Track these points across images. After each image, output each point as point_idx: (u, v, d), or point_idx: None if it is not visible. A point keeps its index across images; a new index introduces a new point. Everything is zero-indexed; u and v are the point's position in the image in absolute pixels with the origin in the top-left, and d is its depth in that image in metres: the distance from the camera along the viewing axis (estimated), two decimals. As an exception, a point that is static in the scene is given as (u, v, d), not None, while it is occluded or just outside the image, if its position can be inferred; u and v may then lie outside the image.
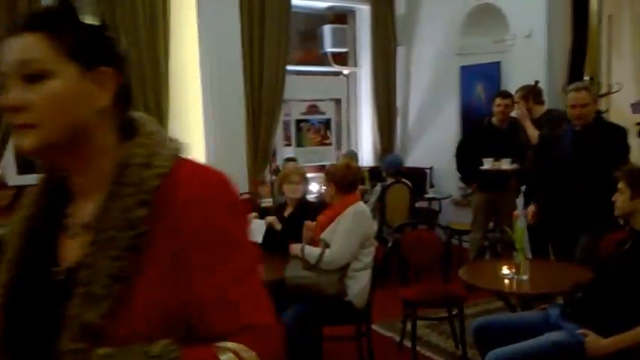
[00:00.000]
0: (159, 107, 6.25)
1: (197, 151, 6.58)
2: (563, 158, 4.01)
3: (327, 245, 3.43)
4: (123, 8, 5.99)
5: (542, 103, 5.35)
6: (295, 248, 3.47)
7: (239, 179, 6.61)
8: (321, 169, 7.58)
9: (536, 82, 5.52)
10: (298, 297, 3.35)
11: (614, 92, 6.48)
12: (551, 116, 5.07)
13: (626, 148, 4.04)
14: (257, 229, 3.84)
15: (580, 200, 3.84)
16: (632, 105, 5.88)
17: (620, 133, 4.08)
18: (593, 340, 2.59)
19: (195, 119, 6.58)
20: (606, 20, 7.16)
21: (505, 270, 3.38)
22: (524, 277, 3.29)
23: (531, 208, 4.30)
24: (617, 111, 6.79)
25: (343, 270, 3.41)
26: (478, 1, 6.86)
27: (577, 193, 3.89)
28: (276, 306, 3.19)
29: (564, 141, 4.05)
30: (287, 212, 3.94)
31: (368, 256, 3.51)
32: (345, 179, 3.61)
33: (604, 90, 6.59)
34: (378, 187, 5.75)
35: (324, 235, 3.50)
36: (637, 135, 5.63)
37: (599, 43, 6.96)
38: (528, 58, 6.33)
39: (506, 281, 3.33)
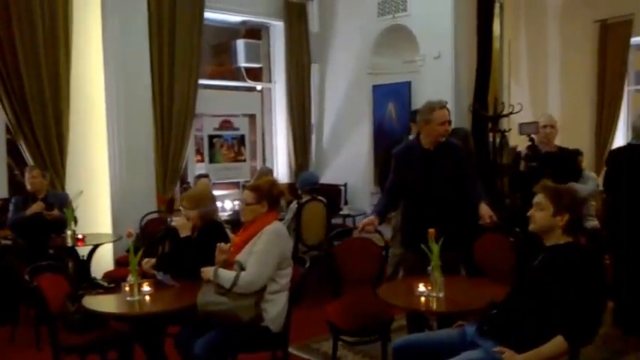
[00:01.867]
0: (58, 124, 5.83)
1: (101, 169, 6.20)
2: (415, 177, 3.94)
3: (242, 268, 3.22)
4: (19, 22, 5.55)
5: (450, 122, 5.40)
6: (208, 272, 3.23)
7: (147, 198, 6.29)
8: (234, 185, 7.37)
9: (444, 103, 5.56)
10: (211, 325, 3.13)
11: (516, 112, 6.67)
12: (456, 135, 5.10)
13: (472, 166, 4.07)
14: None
15: (434, 217, 3.74)
16: (520, 125, 5.81)
17: (459, 150, 4.06)
18: (510, 357, 2.54)
19: (99, 135, 6.19)
20: (507, 45, 7.42)
21: (421, 287, 3.30)
22: (441, 295, 3.22)
23: (369, 217, 4.09)
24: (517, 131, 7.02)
25: (259, 293, 3.20)
26: (389, 23, 6.91)
27: (430, 210, 3.82)
28: (187, 335, 2.96)
29: (414, 159, 3.97)
30: (195, 234, 3.70)
31: (285, 278, 3.33)
32: (275, 196, 3.44)
33: (506, 110, 6.79)
34: (294, 205, 5.60)
35: (240, 256, 3.29)
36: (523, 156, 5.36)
37: (501, 65, 7.19)
38: (437, 79, 6.41)
39: (423, 299, 3.25)
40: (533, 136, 5.18)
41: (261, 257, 3.22)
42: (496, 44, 6.84)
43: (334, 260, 4.01)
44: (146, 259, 3.59)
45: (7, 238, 5.16)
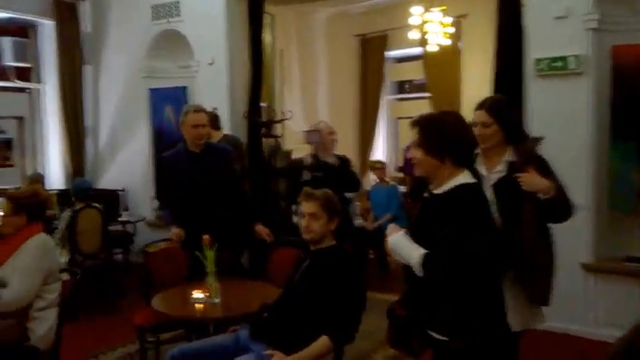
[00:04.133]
0: None
1: None
2: (184, 179, 3.97)
3: (3, 285, 2.95)
4: None
5: (219, 128, 5.48)
6: (-38, 293, 2.90)
7: None
8: (2, 193, 6.66)
9: (214, 108, 5.63)
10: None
11: (287, 119, 6.99)
12: (227, 141, 5.19)
13: (234, 168, 4.22)
14: None
15: (209, 218, 3.82)
16: (307, 132, 5.85)
17: (226, 154, 4.23)
18: (279, 359, 2.60)
19: None
20: (279, 54, 7.73)
21: (197, 294, 3.25)
22: (217, 300, 3.21)
23: (174, 231, 4.00)
24: (290, 136, 7.35)
25: (24, 312, 2.97)
26: (164, 27, 6.75)
27: (204, 211, 3.89)
28: None
29: (181, 162, 4.01)
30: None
31: (53, 293, 3.11)
32: (35, 207, 3.17)
33: (278, 117, 7.07)
34: (68, 213, 5.24)
35: (0, 273, 3.01)
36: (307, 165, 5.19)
37: (273, 74, 7.45)
38: (212, 85, 6.41)
39: (198, 306, 3.19)
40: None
41: (25, 273, 2.99)
42: (268, 53, 7.04)
43: (147, 268, 3.93)
44: None
45: None
